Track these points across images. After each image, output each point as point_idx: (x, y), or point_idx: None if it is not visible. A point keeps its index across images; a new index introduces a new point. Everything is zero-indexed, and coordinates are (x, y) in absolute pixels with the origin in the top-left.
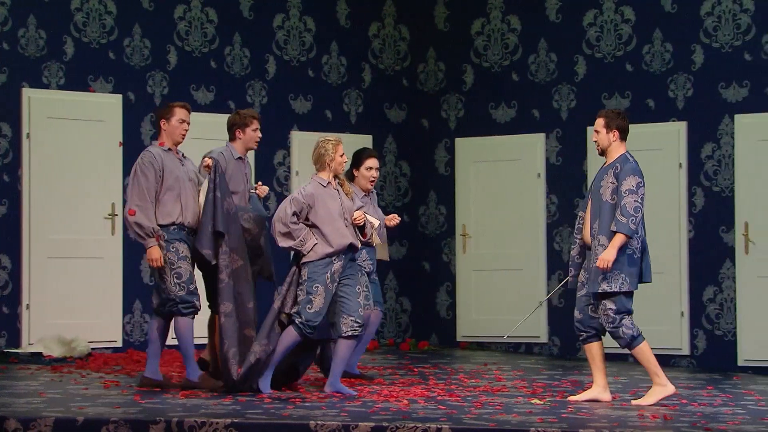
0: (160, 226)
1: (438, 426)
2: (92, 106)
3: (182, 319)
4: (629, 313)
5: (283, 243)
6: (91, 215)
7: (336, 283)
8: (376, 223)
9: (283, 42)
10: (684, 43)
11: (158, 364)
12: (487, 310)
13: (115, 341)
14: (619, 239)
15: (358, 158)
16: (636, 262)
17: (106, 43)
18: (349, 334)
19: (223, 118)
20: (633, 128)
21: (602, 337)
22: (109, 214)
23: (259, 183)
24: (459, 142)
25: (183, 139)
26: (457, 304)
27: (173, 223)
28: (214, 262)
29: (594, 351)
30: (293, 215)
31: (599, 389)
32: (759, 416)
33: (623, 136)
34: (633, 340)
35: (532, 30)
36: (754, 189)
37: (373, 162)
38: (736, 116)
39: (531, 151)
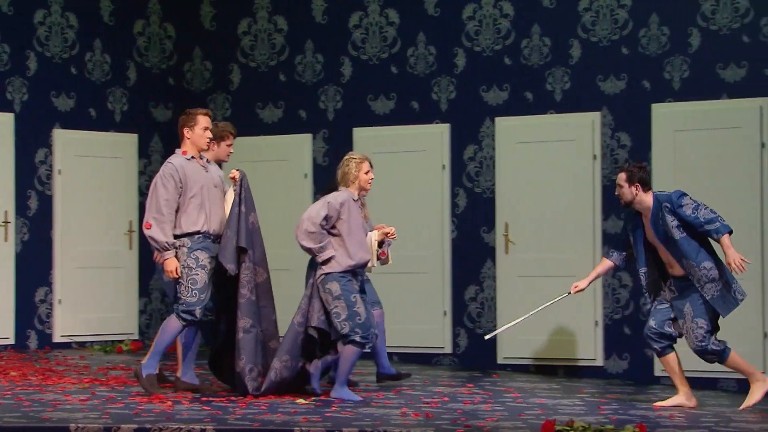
0: (186, 234)
1: (202, 427)
2: None
3: (176, 322)
4: (716, 329)
5: (306, 242)
6: None
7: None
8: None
9: (44, 38)
10: (447, 46)
11: (193, 368)
12: None
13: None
14: (728, 239)
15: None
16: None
17: None
18: (367, 347)
19: None
20: (397, 130)
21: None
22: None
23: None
24: None
25: (207, 146)
26: None
27: (198, 232)
28: (235, 273)
29: (672, 361)
30: (324, 219)
31: (684, 397)
32: (517, 413)
33: (646, 187)
34: (722, 355)
35: (298, 30)
36: (514, 190)
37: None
38: (497, 119)
39: (298, 151)
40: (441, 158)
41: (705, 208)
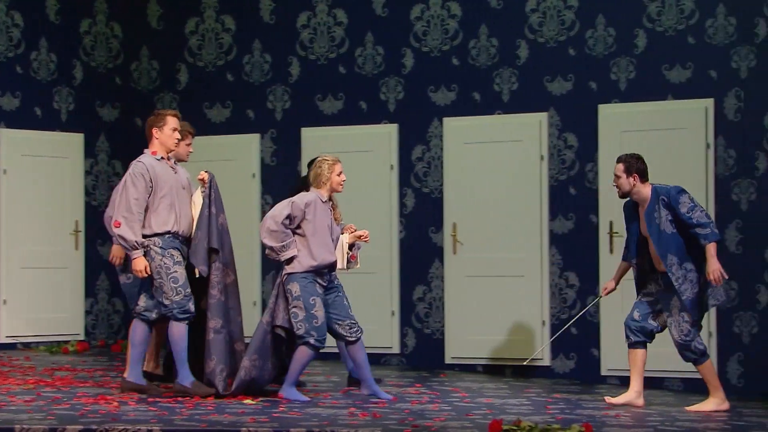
0: (155, 234)
1: (148, 428)
2: None
3: (177, 324)
4: (700, 328)
5: (267, 240)
6: None
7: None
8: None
9: None
10: (395, 46)
11: (141, 369)
12: None
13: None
14: (713, 248)
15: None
16: None
17: None
18: (354, 338)
19: None
20: (345, 130)
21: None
22: None
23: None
24: None
25: (176, 147)
26: None
27: (168, 232)
28: (207, 274)
29: (638, 357)
30: (287, 218)
31: (634, 394)
32: (464, 412)
33: (643, 178)
34: (701, 357)
35: (246, 30)
36: (462, 190)
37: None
38: (445, 119)
39: (246, 151)
40: (389, 158)
41: (700, 211)
